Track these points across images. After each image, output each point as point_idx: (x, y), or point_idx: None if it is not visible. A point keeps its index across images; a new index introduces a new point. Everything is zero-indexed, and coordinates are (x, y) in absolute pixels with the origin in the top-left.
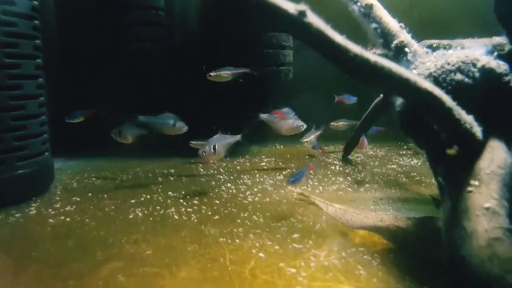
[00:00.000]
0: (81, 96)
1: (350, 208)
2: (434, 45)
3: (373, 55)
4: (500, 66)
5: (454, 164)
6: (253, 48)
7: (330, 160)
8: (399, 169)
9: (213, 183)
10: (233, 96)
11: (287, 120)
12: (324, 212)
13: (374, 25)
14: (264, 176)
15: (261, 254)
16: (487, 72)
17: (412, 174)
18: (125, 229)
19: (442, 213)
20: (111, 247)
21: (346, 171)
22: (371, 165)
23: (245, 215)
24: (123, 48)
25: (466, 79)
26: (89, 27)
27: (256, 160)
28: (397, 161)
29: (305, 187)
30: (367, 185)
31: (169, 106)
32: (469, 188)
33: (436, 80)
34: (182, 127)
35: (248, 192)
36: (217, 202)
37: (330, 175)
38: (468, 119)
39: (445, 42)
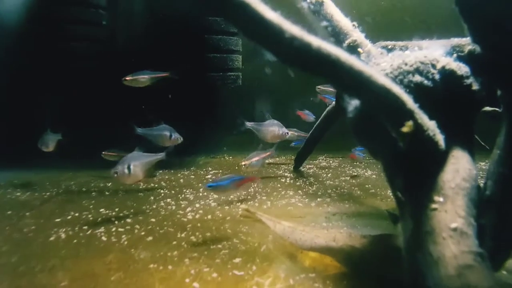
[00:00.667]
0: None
1: (300, 226)
2: (390, 47)
3: (317, 39)
4: (460, 68)
5: (415, 176)
6: (199, 53)
7: (281, 172)
8: (353, 181)
9: (152, 198)
10: (174, 102)
11: (272, 128)
12: (272, 230)
13: (324, 23)
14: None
15: (195, 284)
16: (447, 74)
17: (367, 186)
18: (42, 253)
19: (403, 233)
20: (19, 277)
21: (297, 183)
22: (323, 177)
23: (183, 235)
24: (56, 47)
25: (426, 81)
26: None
27: (202, 172)
28: (351, 172)
29: (251, 202)
30: (319, 199)
31: (101, 111)
32: (433, 206)
33: (393, 81)
34: (178, 138)
35: (189, 209)
36: (153, 220)
37: (280, 189)
38: (431, 125)
39: (401, 43)
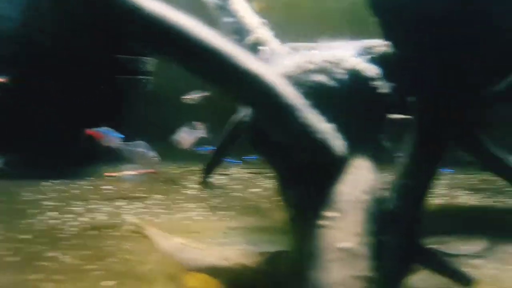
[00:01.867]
0: None
1: (194, 243)
2: (304, 48)
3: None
4: (369, 69)
5: (309, 188)
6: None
7: (187, 182)
8: (264, 192)
9: (34, 210)
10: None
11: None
12: (160, 248)
13: (229, 19)
14: (103, 202)
15: None
16: (354, 74)
17: (277, 198)
18: None
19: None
20: None
21: (201, 195)
22: (232, 188)
23: (55, 254)
24: None
25: (329, 81)
26: None
27: (100, 183)
28: (262, 183)
29: (147, 215)
30: (221, 212)
31: None
32: (324, 222)
33: (295, 80)
34: (154, 156)
35: (73, 223)
36: (27, 237)
37: (181, 201)
38: (324, 127)
39: (312, 45)
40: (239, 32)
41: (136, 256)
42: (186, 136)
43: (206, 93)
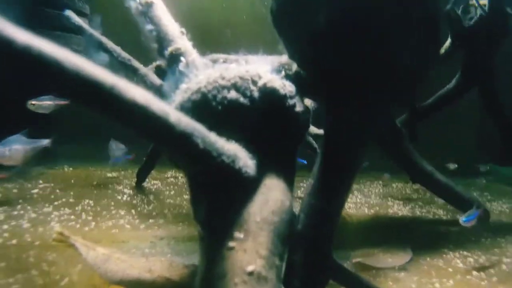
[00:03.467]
0: None
1: (117, 253)
2: (222, 60)
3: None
4: (285, 86)
5: (218, 206)
6: None
7: (121, 187)
8: None
9: None
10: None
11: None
12: (83, 258)
13: (150, 26)
14: (28, 207)
15: None
16: (268, 92)
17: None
18: None
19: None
20: None
21: (134, 201)
22: (165, 194)
23: None
24: None
25: (242, 99)
26: None
27: (30, 185)
28: None
29: (74, 223)
30: (151, 220)
31: None
32: (231, 244)
33: (205, 97)
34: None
35: None
36: None
37: (112, 207)
38: (228, 150)
39: (232, 57)
40: (159, 41)
41: (58, 268)
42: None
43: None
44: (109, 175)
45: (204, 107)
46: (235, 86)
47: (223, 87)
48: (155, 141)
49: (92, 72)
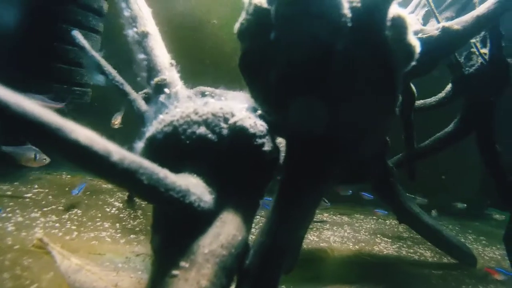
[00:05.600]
0: None
1: (90, 265)
2: (207, 93)
3: None
4: (256, 126)
5: (172, 236)
6: (42, 60)
7: (112, 200)
8: None
9: None
10: None
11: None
12: (57, 266)
13: (142, 56)
14: (17, 211)
15: None
16: (237, 130)
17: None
18: None
19: None
20: None
21: (121, 215)
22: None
23: None
24: None
25: (210, 135)
26: None
27: (24, 189)
28: None
29: (57, 230)
30: (133, 235)
31: None
32: (174, 272)
33: (176, 130)
34: (43, 159)
35: None
36: None
37: (98, 219)
38: (178, 186)
39: (217, 91)
40: (149, 70)
41: (30, 274)
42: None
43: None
44: (104, 186)
45: (173, 139)
46: (205, 122)
47: (194, 122)
48: (99, 177)
49: (38, 114)
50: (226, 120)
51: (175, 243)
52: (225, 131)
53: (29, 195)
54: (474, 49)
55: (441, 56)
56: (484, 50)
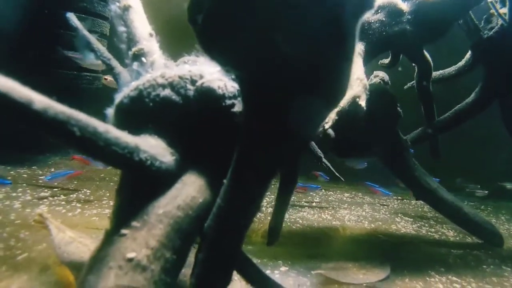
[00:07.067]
0: None
1: (83, 238)
2: (189, 62)
3: None
4: (226, 87)
5: (130, 197)
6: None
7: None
8: None
9: None
10: None
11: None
12: (51, 238)
13: (122, 28)
14: (28, 191)
15: None
16: (204, 92)
17: None
18: None
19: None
20: None
21: None
22: None
23: None
24: None
25: (174, 97)
26: None
27: (40, 172)
28: None
29: (61, 208)
30: None
31: None
32: (124, 231)
33: (141, 94)
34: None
35: None
36: None
37: (106, 198)
38: (123, 142)
39: (201, 59)
40: (129, 42)
41: (24, 244)
42: None
43: None
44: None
45: (137, 103)
46: (171, 85)
47: (159, 85)
48: (25, 125)
49: None
50: (193, 82)
51: (133, 205)
52: (191, 93)
53: (43, 177)
54: (492, 10)
55: (451, 16)
56: (504, 10)
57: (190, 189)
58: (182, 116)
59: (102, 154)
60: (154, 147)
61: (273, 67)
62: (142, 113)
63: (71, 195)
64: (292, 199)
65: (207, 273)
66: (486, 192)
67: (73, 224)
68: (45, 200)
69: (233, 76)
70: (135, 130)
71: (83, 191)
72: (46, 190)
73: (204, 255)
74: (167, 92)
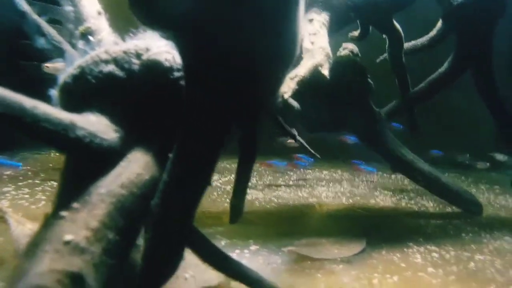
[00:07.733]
0: None
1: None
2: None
3: None
4: (173, 60)
5: (72, 178)
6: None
7: None
8: None
9: None
10: None
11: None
12: (11, 231)
13: (70, 8)
14: None
15: None
16: (149, 65)
17: None
18: None
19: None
20: None
21: None
22: None
23: None
24: None
25: (118, 72)
26: None
27: (6, 167)
28: None
29: (24, 201)
30: None
31: None
32: (63, 213)
33: (83, 71)
34: None
35: None
36: None
37: None
38: (55, 119)
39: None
40: (76, 21)
41: None
42: None
43: None
44: None
45: (80, 81)
46: (115, 60)
47: (103, 61)
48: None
49: None
50: (139, 56)
51: (75, 187)
52: (136, 67)
53: (8, 172)
54: None
55: None
56: None
57: (135, 166)
58: (126, 92)
59: (31, 130)
60: (94, 124)
61: (210, 22)
62: (85, 91)
63: (36, 188)
64: (268, 179)
65: (155, 252)
66: (487, 164)
67: (35, 217)
68: (7, 194)
69: None
70: (79, 109)
71: (49, 184)
72: (10, 184)
73: (151, 233)
74: (110, 67)
